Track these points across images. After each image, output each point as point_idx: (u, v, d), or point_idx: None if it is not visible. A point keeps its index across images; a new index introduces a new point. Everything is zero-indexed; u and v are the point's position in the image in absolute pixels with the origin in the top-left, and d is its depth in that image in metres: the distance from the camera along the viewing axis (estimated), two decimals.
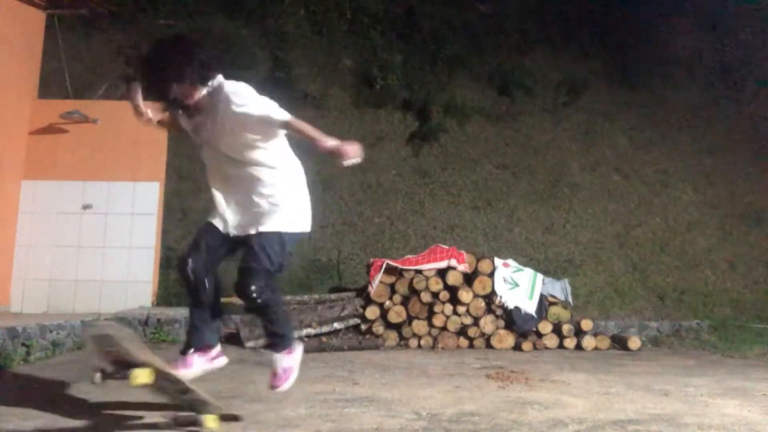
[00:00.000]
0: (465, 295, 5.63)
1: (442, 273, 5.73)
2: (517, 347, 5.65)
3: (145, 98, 2.70)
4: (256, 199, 2.75)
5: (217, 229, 2.80)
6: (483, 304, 5.70)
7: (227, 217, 2.80)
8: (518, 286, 5.84)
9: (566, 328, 5.79)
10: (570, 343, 5.75)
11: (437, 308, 5.64)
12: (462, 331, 5.67)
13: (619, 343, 5.88)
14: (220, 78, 2.68)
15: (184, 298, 6.45)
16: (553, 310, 5.89)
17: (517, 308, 5.72)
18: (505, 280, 5.83)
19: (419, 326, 5.63)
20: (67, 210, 6.45)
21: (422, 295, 5.65)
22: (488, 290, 5.75)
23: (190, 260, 2.73)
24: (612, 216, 7.80)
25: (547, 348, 5.71)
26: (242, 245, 2.77)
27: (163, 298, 6.46)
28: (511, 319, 5.72)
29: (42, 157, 6.51)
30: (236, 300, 6.07)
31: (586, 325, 5.81)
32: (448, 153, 8.17)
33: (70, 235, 6.39)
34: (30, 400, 3.20)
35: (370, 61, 8.68)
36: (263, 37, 8.66)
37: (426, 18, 9.20)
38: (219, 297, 2.86)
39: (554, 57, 9.27)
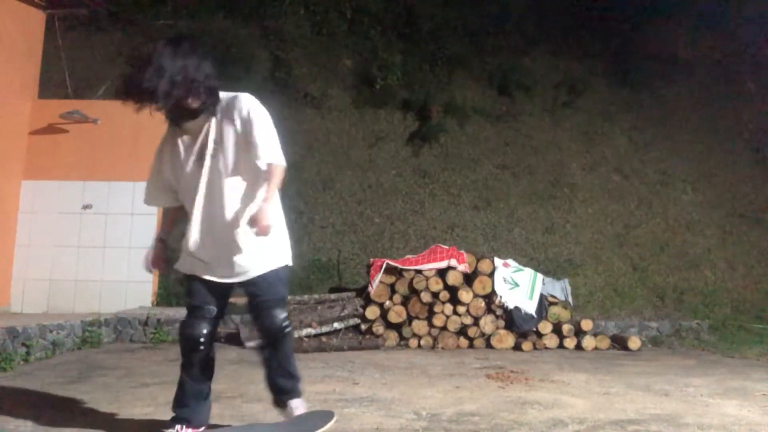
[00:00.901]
0: (465, 295, 5.63)
1: (442, 273, 5.73)
2: (517, 347, 5.65)
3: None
4: (248, 238, 2.46)
5: (209, 282, 2.53)
6: (483, 304, 5.70)
7: (217, 266, 2.51)
8: (518, 286, 5.84)
9: (566, 328, 5.79)
10: (570, 343, 5.75)
11: (437, 308, 5.64)
12: (462, 331, 5.67)
13: (619, 343, 5.88)
14: (229, 94, 2.59)
15: (183, 298, 6.45)
16: (553, 310, 5.89)
17: (517, 308, 5.72)
18: (505, 280, 5.83)
19: (419, 326, 5.63)
20: (67, 210, 6.45)
21: (422, 295, 5.65)
22: (488, 290, 5.75)
23: (203, 326, 2.49)
24: (612, 216, 7.80)
25: (547, 348, 5.71)
26: (239, 286, 2.56)
27: (163, 298, 6.46)
28: (511, 319, 5.72)
29: (42, 157, 6.51)
30: (236, 300, 6.07)
31: (586, 325, 5.81)
32: (448, 153, 8.17)
33: (70, 235, 6.39)
34: (30, 400, 3.20)
35: (370, 61, 8.68)
36: (263, 37, 8.66)
37: (426, 18, 9.20)
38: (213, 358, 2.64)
39: (554, 57, 9.27)
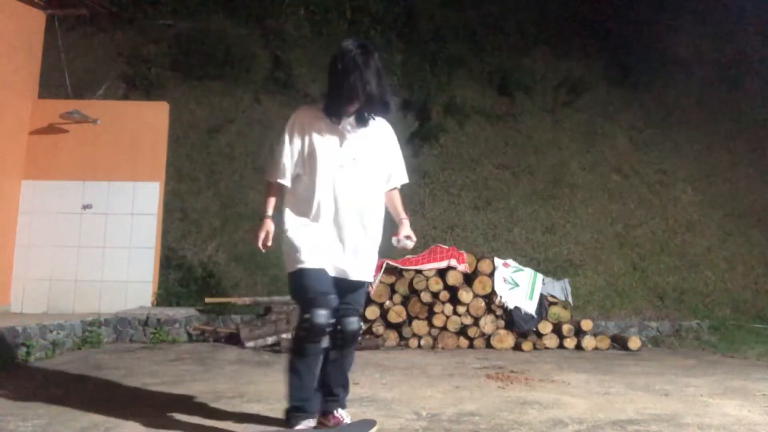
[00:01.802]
0: (465, 295, 5.63)
1: (442, 273, 5.73)
2: (517, 347, 5.64)
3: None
4: (369, 243, 2.69)
5: (328, 274, 2.58)
6: (483, 304, 5.70)
7: (338, 259, 2.59)
8: (518, 286, 5.83)
9: (566, 328, 5.79)
10: (570, 343, 5.74)
11: (437, 308, 5.63)
12: (462, 331, 5.67)
13: (619, 343, 5.87)
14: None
15: (183, 298, 6.46)
16: (553, 310, 5.89)
17: (517, 308, 5.72)
18: (505, 280, 5.83)
19: (419, 326, 5.63)
20: (67, 210, 6.45)
21: (422, 295, 5.65)
22: (488, 290, 5.75)
23: (328, 314, 2.49)
24: (612, 216, 7.80)
25: (547, 348, 5.70)
26: (341, 283, 2.63)
27: (163, 298, 6.46)
28: (511, 319, 5.71)
29: (42, 157, 6.51)
30: (237, 300, 6.07)
31: (586, 325, 5.81)
32: (448, 153, 8.17)
33: (70, 235, 6.39)
34: (30, 400, 3.20)
35: None
36: (263, 37, 8.66)
37: (426, 18, 9.21)
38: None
39: (554, 57, 9.28)
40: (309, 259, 2.53)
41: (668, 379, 4.16)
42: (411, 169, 2.96)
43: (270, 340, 5.40)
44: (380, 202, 2.74)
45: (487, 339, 5.69)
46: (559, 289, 6.17)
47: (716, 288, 7.26)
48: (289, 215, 2.66)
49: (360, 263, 2.64)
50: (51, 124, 6.55)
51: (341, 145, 2.61)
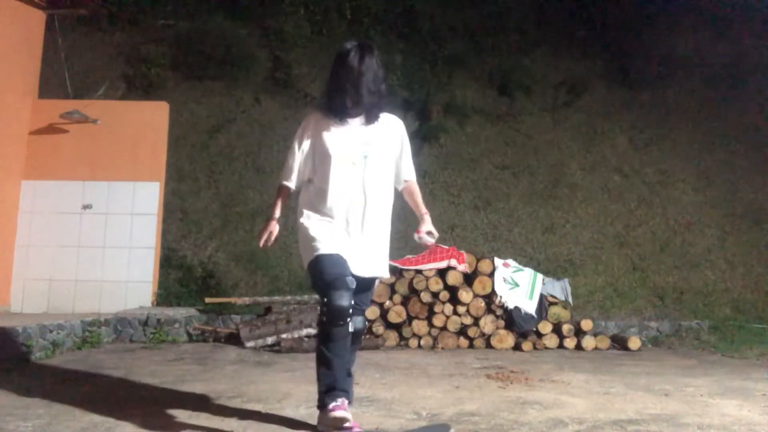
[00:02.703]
0: (465, 295, 5.63)
1: (442, 273, 5.74)
2: (517, 347, 5.65)
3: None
4: (382, 240, 2.74)
5: (344, 258, 2.60)
6: (483, 304, 5.70)
7: (350, 256, 2.61)
8: (518, 286, 5.84)
9: (566, 328, 5.79)
10: (570, 343, 5.75)
11: (437, 308, 5.64)
12: (462, 331, 5.67)
13: (619, 343, 5.88)
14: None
15: (183, 298, 6.46)
16: (553, 310, 5.89)
17: (517, 308, 5.72)
18: (505, 280, 5.83)
19: (419, 326, 5.63)
20: (67, 210, 6.45)
21: (422, 295, 5.65)
22: (488, 290, 5.75)
23: (348, 296, 2.49)
24: (612, 216, 7.80)
25: (547, 348, 5.70)
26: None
27: (163, 298, 6.47)
28: (511, 319, 5.72)
29: (42, 157, 6.51)
30: (237, 300, 6.07)
31: (586, 325, 5.81)
32: (448, 153, 8.17)
33: (70, 235, 6.39)
34: (30, 400, 3.20)
35: None
36: (263, 37, 8.66)
37: (426, 18, 9.21)
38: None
39: (554, 57, 9.27)
40: (324, 246, 2.58)
41: (668, 379, 4.16)
42: None
43: (270, 340, 5.40)
44: (390, 200, 2.79)
45: (487, 339, 5.69)
46: (559, 289, 6.17)
47: (716, 288, 7.26)
48: (303, 214, 2.72)
49: (371, 260, 2.68)
50: (51, 124, 6.55)
51: (352, 144, 2.66)
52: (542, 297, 5.89)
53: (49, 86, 7.11)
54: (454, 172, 7.97)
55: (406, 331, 5.63)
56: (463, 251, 5.96)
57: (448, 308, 5.65)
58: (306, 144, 2.72)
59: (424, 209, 2.87)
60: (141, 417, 2.82)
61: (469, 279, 5.81)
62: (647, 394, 3.62)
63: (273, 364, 4.53)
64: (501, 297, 5.73)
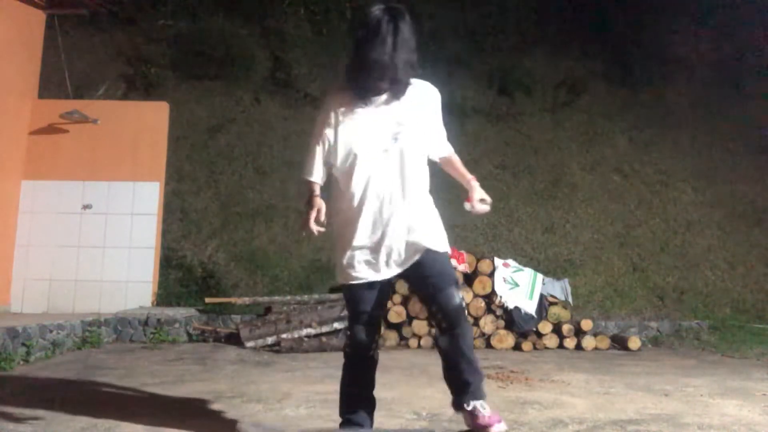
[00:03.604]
0: (465, 295, 5.63)
1: None
2: (517, 347, 5.64)
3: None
4: (422, 214, 2.46)
5: (372, 285, 2.39)
6: (483, 304, 5.70)
7: (386, 257, 2.38)
8: (518, 286, 5.83)
9: (566, 328, 5.79)
10: (570, 343, 5.74)
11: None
12: None
13: (619, 343, 5.87)
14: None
15: (183, 298, 6.46)
16: (553, 310, 5.89)
17: (517, 308, 5.72)
18: (505, 280, 5.83)
19: (419, 326, 5.63)
20: (67, 210, 6.45)
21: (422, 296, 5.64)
22: (488, 290, 5.75)
23: (371, 331, 2.39)
24: (612, 216, 7.80)
25: (547, 348, 5.70)
26: (406, 276, 2.47)
27: (163, 298, 6.46)
28: (511, 319, 5.71)
29: (42, 157, 6.51)
30: (237, 300, 6.07)
31: (586, 325, 5.81)
32: None
33: (70, 235, 6.39)
34: (30, 400, 3.20)
35: None
36: (263, 37, 8.66)
37: (426, 18, 9.20)
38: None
39: (554, 57, 9.27)
40: (351, 275, 2.38)
41: (668, 379, 4.16)
42: None
43: (270, 340, 5.40)
44: (426, 177, 2.53)
45: (487, 339, 5.69)
46: (559, 289, 6.17)
47: (716, 288, 7.26)
48: (334, 209, 2.47)
49: (418, 239, 2.38)
50: (51, 124, 6.55)
51: (381, 128, 2.36)
52: (542, 297, 5.89)
53: (49, 86, 7.11)
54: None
55: (406, 331, 5.63)
56: (463, 251, 5.96)
57: None
58: (329, 133, 2.42)
59: (469, 175, 2.60)
60: (141, 417, 2.82)
61: (469, 279, 5.81)
62: (647, 394, 3.62)
63: (273, 364, 4.53)
64: (501, 297, 5.73)
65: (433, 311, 2.42)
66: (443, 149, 2.60)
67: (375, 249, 2.38)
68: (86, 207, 6.48)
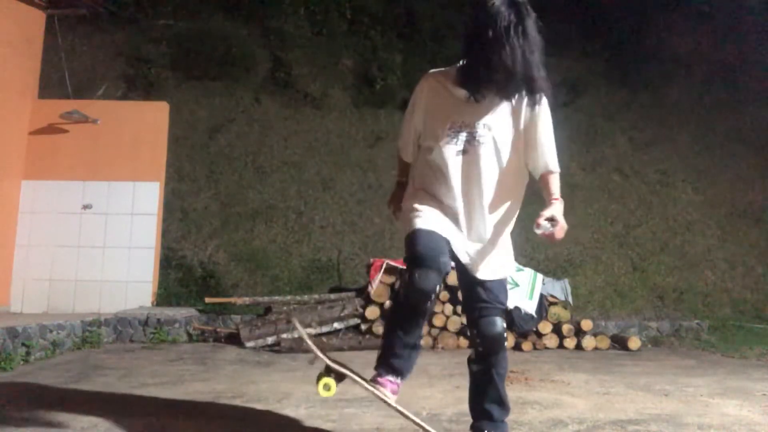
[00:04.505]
0: None
1: None
2: (517, 347, 5.64)
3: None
4: (497, 237, 2.39)
5: (449, 243, 2.26)
6: None
7: (463, 246, 2.30)
8: (518, 286, 5.83)
9: (566, 328, 5.79)
10: (570, 343, 5.74)
11: (437, 308, 5.63)
12: (462, 331, 5.67)
13: (619, 343, 5.87)
14: None
15: (183, 298, 6.46)
16: (553, 310, 5.89)
17: (517, 308, 5.71)
18: None
19: None
20: (67, 210, 6.45)
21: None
22: None
23: (436, 279, 2.18)
24: (612, 216, 7.80)
25: (547, 348, 5.71)
26: (469, 280, 2.36)
27: (163, 298, 6.47)
28: (511, 319, 5.71)
29: (42, 157, 6.51)
30: (237, 300, 6.06)
31: (586, 325, 5.81)
32: None
33: (70, 235, 6.39)
34: (30, 400, 3.20)
35: (370, 61, 8.68)
36: (263, 37, 8.66)
37: (426, 18, 9.20)
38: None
39: (554, 57, 9.26)
40: (423, 223, 2.23)
41: (668, 379, 4.16)
42: None
43: (270, 340, 5.40)
44: (515, 192, 2.45)
45: None
46: (559, 289, 6.17)
47: (716, 288, 7.26)
48: (413, 188, 2.40)
49: (486, 259, 2.31)
50: (51, 124, 6.55)
51: (469, 126, 2.22)
52: (542, 297, 5.89)
53: (49, 86, 7.11)
54: None
55: None
56: None
57: (448, 308, 5.64)
58: (419, 113, 2.33)
59: (556, 195, 2.45)
60: (141, 417, 2.82)
61: None
62: (647, 394, 3.62)
63: (273, 364, 4.53)
64: None
65: (474, 334, 2.34)
66: (544, 167, 2.41)
67: (455, 221, 2.30)
68: (86, 207, 6.48)
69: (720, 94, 9.14)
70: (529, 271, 6.04)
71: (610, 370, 4.55)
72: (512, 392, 3.59)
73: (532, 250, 7.33)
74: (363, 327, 5.65)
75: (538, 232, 2.34)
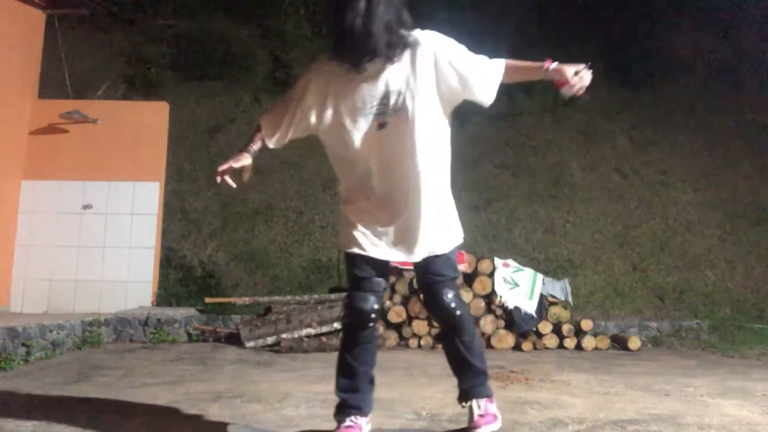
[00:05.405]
0: (465, 295, 5.62)
1: None
2: (517, 347, 5.64)
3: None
4: (429, 214, 2.31)
5: (373, 260, 2.28)
6: (483, 304, 5.70)
7: (386, 243, 2.29)
8: (518, 286, 5.84)
9: (566, 328, 5.79)
10: (570, 343, 5.74)
11: None
12: None
13: (619, 343, 5.88)
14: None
15: (183, 298, 6.46)
16: (553, 310, 5.89)
17: (517, 308, 5.72)
18: (505, 280, 5.83)
19: (419, 326, 5.63)
20: (67, 210, 6.45)
21: (422, 295, 5.64)
22: (488, 290, 5.75)
23: (372, 299, 2.25)
24: (612, 216, 7.80)
25: (547, 348, 5.70)
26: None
27: (163, 298, 6.47)
28: (511, 319, 5.72)
29: (42, 157, 6.51)
30: (237, 300, 6.05)
31: (586, 325, 5.81)
32: None
33: (70, 235, 6.39)
34: (30, 400, 3.20)
35: None
36: (263, 37, 8.66)
37: (426, 18, 9.20)
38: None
39: (554, 57, 9.26)
40: (352, 243, 2.27)
41: (668, 379, 4.16)
42: None
43: (270, 340, 5.40)
44: (443, 153, 2.42)
45: (487, 339, 5.69)
46: (559, 289, 6.17)
47: (716, 288, 7.26)
48: (341, 191, 2.39)
49: (422, 241, 2.29)
50: (51, 124, 6.55)
51: (375, 99, 2.14)
52: (542, 297, 5.89)
53: (49, 86, 7.11)
54: (454, 172, 7.96)
55: (406, 331, 5.63)
56: (463, 251, 5.95)
57: None
58: (304, 106, 2.21)
59: (540, 63, 2.37)
60: (141, 417, 2.82)
61: (469, 279, 5.81)
62: (647, 394, 3.62)
63: (273, 364, 4.53)
64: (501, 297, 5.73)
65: (429, 309, 2.44)
66: (488, 86, 2.36)
67: (380, 227, 2.29)
68: (86, 207, 6.48)
69: (720, 94, 9.14)
70: (529, 271, 6.04)
71: (610, 370, 4.55)
72: (512, 392, 3.59)
73: (532, 250, 7.33)
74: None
75: (571, 92, 2.23)
